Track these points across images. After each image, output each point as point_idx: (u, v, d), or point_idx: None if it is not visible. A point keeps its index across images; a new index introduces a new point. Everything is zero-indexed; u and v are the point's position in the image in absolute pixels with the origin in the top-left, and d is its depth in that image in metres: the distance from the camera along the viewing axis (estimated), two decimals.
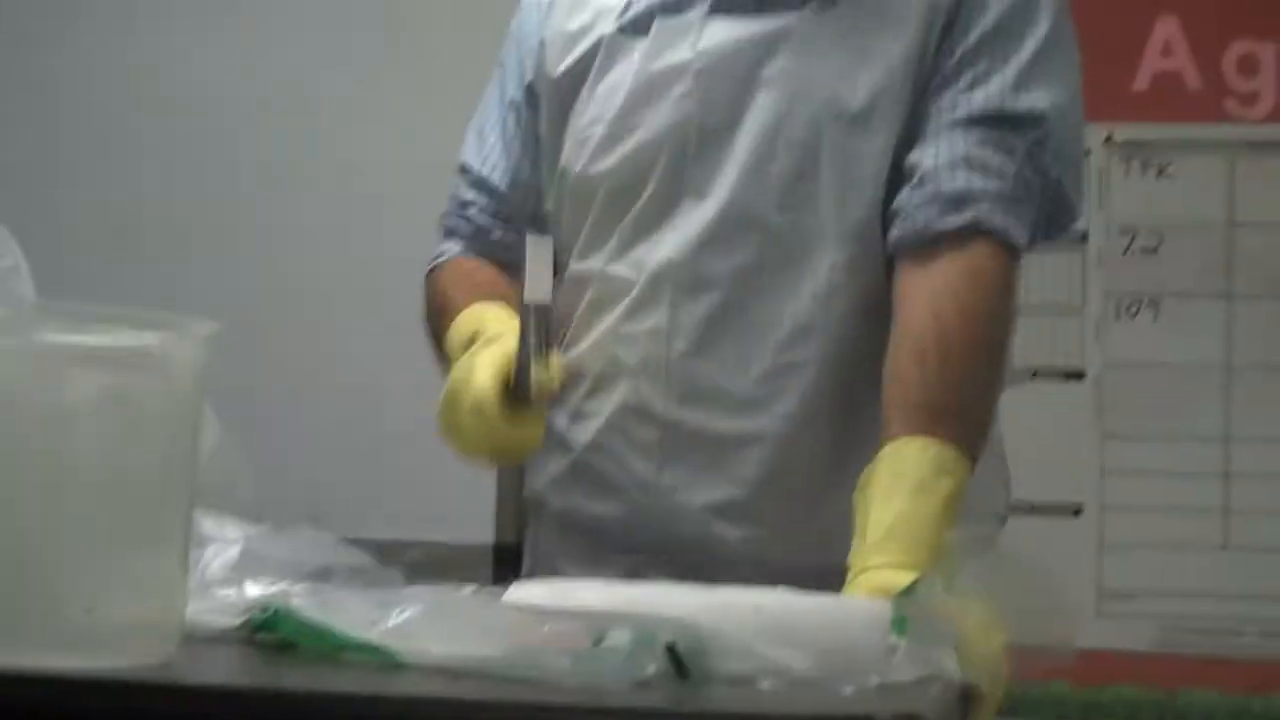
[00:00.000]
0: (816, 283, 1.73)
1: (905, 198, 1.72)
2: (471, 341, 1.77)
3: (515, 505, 3.25)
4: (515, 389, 1.68)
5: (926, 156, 1.72)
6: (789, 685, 1.15)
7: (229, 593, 1.36)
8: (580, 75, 1.86)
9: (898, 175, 1.74)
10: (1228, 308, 3.29)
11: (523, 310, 1.71)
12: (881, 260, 1.73)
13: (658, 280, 1.76)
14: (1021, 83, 1.75)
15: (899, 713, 1.06)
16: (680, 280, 1.75)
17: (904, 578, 1.46)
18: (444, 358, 1.85)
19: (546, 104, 1.90)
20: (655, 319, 1.76)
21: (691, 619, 1.19)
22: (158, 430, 1.16)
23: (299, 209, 3.56)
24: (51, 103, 3.68)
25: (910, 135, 1.74)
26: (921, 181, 1.72)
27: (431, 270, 2.00)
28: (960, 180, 1.71)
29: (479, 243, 1.97)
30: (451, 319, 1.85)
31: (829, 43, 1.75)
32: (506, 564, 3.16)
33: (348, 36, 3.60)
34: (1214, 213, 3.22)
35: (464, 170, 2.01)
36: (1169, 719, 3.23)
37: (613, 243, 1.81)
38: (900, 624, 1.28)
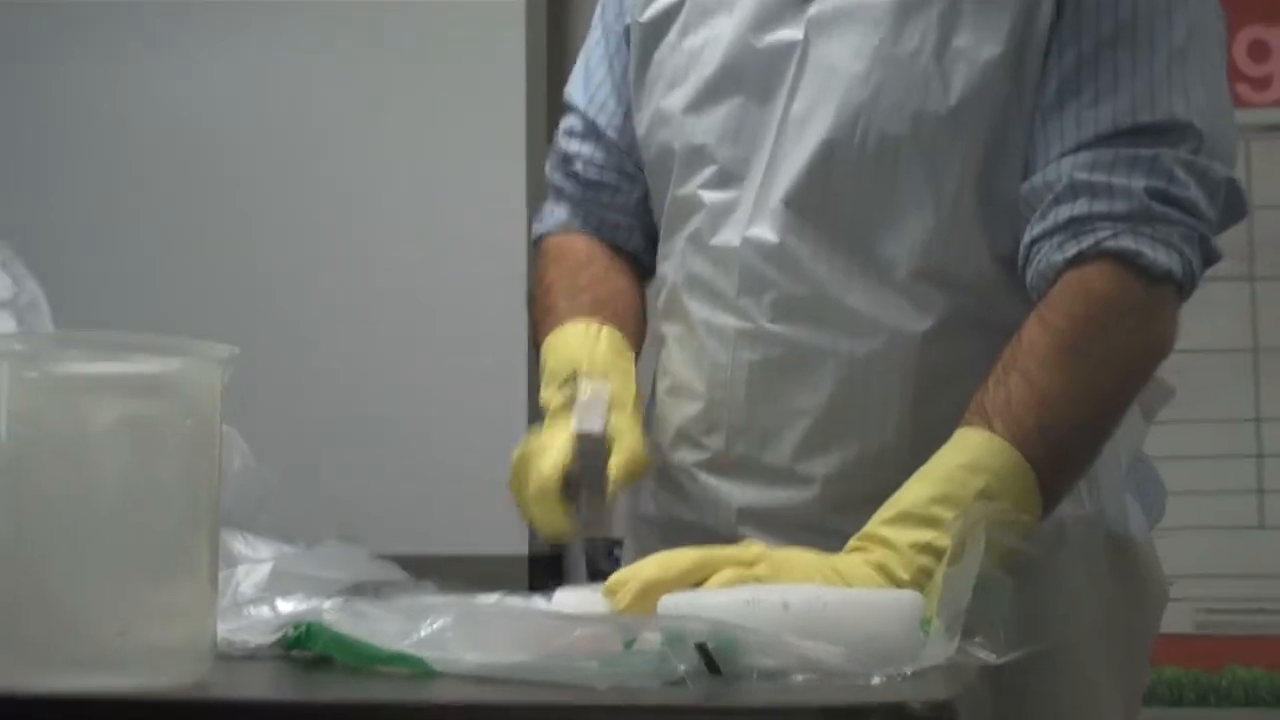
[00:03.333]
0: (886, 301, 1.66)
1: (1028, 235, 1.63)
2: (564, 382, 1.71)
3: None
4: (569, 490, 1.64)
5: (1046, 185, 1.62)
6: (821, 678, 1.15)
7: (261, 611, 1.37)
8: (664, 24, 1.80)
9: (990, 192, 1.65)
10: (1251, 290, 3.29)
11: (574, 440, 1.65)
12: (964, 281, 1.67)
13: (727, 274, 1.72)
14: (1156, 91, 1.61)
15: (929, 700, 1.05)
16: (747, 280, 1.71)
17: (891, 560, 1.45)
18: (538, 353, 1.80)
19: (632, 49, 1.84)
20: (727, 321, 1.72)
21: (721, 618, 1.19)
22: (179, 455, 1.16)
23: (335, 229, 3.58)
24: (57, 123, 3.70)
25: (1004, 148, 1.65)
26: (1042, 215, 1.61)
27: (539, 240, 1.92)
28: (1080, 206, 1.59)
29: (587, 208, 1.90)
30: (549, 328, 1.79)
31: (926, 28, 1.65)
32: (542, 574, 3.18)
33: (349, 52, 3.62)
34: None
35: (569, 109, 1.91)
36: (1213, 699, 3.23)
37: (687, 231, 1.76)
38: (927, 624, 1.28)
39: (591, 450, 1.64)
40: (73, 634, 1.11)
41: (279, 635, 1.31)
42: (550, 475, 1.63)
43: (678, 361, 1.78)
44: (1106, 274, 1.59)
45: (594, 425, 1.65)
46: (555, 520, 1.64)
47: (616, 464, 1.65)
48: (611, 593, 1.37)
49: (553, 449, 1.65)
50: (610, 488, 1.63)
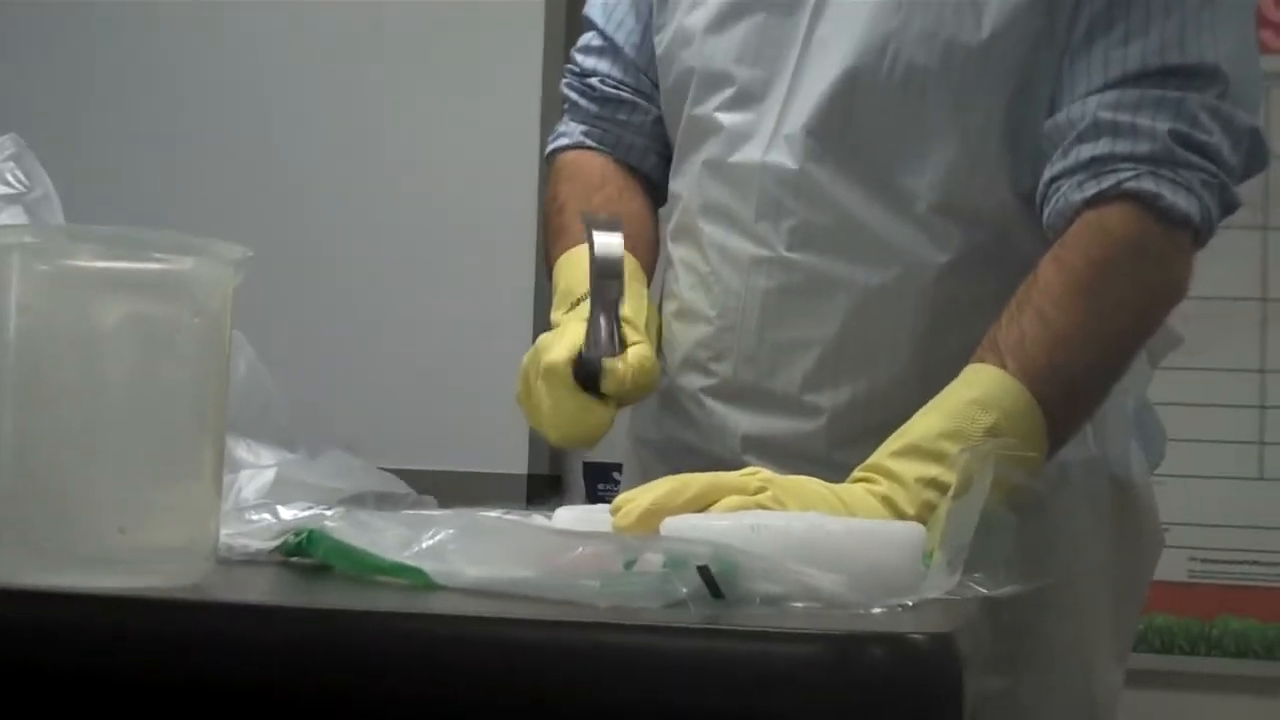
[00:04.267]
0: (904, 233, 1.66)
1: (1048, 173, 1.61)
2: (575, 304, 1.68)
3: None
4: (580, 374, 1.60)
5: (1070, 123, 1.60)
6: (822, 606, 1.14)
7: (263, 517, 1.37)
8: None
9: (1016, 128, 1.64)
10: (1263, 240, 3.28)
11: (591, 288, 1.62)
12: (984, 217, 1.66)
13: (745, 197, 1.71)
14: (1186, 34, 1.59)
15: (931, 632, 1.05)
16: (765, 206, 1.70)
17: (897, 494, 1.45)
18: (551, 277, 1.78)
19: None
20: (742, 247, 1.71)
21: (723, 542, 1.19)
22: (188, 355, 1.16)
23: (345, 142, 3.57)
24: (76, 20, 3.69)
25: (1033, 84, 1.63)
26: (1064, 153, 1.60)
27: (551, 155, 1.90)
28: (1102, 146, 1.58)
29: (603, 125, 1.88)
30: (563, 249, 1.77)
31: None
32: (540, 493, 3.19)
33: None
34: None
35: (587, 26, 1.90)
36: (1204, 648, 3.24)
37: (702, 153, 1.75)
38: (929, 557, 1.28)
39: (608, 271, 1.61)
40: (74, 531, 1.10)
41: (280, 541, 1.31)
42: (561, 355, 1.60)
43: (685, 285, 1.77)
44: (1125, 215, 1.57)
45: (612, 248, 1.61)
46: (559, 403, 1.60)
47: (628, 359, 1.61)
48: (615, 511, 1.37)
49: (564, 336, 1.62)
50: (623, 370, 1.60)
